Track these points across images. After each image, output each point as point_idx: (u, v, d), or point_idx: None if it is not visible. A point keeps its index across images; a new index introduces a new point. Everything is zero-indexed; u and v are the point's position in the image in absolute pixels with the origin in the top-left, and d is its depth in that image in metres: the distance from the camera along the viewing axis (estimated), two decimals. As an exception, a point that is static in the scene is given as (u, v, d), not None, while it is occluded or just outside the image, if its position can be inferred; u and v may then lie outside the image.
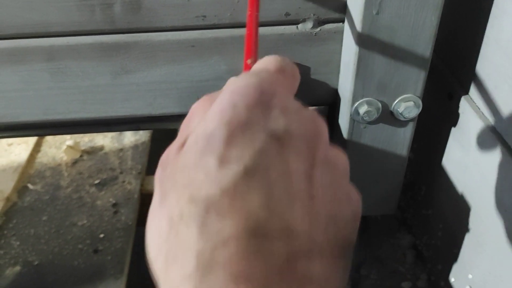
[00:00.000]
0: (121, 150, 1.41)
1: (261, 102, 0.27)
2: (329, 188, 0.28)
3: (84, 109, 0.63)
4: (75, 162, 1.37)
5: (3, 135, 0.65)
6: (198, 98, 0.69)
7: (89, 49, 0.58)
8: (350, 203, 0.30)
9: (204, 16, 0.58)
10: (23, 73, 0.59)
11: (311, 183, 0.27)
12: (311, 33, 0.60)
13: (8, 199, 1.25)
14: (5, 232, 1.18)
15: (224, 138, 0.26)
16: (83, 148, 1.40)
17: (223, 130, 0.26)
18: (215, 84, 0.63)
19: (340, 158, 0.30)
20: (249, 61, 0.40)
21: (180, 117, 0.70)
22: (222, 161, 0.25)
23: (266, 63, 0.33)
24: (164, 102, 0.64)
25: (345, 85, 0.61)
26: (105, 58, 0.59)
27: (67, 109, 0.62)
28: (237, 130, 0.26)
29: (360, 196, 0.31)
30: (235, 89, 0.28)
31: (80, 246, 1.17)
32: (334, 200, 0.28)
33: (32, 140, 1.41)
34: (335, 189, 0.29)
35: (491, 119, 0.57)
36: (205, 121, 0.28)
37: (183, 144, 0.29)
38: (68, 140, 1.41)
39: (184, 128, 0.32)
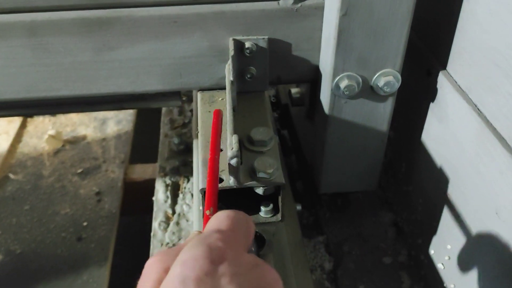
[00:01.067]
0: (103, 139, 1.40)
1: (210, 272, 0.30)
2: None
3: (67, 86, 0.63)
4: (57, 152, 1.35)
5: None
6: (181, 75, 0.69)
7: (71, 24, 0.58)
8: None
9: (186, -8, 0.58)
10: (4, 49, 0.59)
11: None
12: (292, 9, 0.61)
13: (-11, 189, 1.24)
14: (-13, 221, 1.17)
15: None
16: (65, 137, 1.39)
17: None
18: (197, 61, 0.63)
19: None
20: (208, 212, 0.44)
21: (163, 96, 0.70)
22: None
23: (219, 222, 0.36)
24: (147, 79, 0.64)
25: (326, 60, 0.62)
26: (87, 34, 0.59)
27: (49, 86, 0.62)
28: None
29: None
30: (186, 261, 0.31)
31: (63, 234, 1.16)
32: None
33: (13, 131, 1.40)
34: None
35: (467, 92, 0.59)
36: None
37: None
38: (49, 130, 1.40)
39: None
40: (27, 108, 0.67)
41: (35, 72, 0.61)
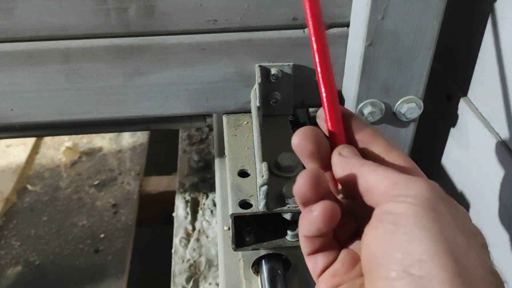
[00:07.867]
0: (119, 151, 1.42)
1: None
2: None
3: (98, 109, 0.64)
4: (74, 163, 1.38)
5: (18, 134, 0.67)
6: (207, 99, 0.71)
7: (103, 51, 0.60)
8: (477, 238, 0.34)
9: (215, 20, 0.60)
10: (40, 75, 0.60)
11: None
12: (317, 37, 0.62)
13: (7, 200, 1.26)
14: (6, 232, 1.19)
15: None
16: (81, 149, 1.41)
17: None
18: (224, 86, 0.65)
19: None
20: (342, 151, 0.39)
21: (189, 118, 0.72)
22: None
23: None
24: (175, 103, 0.66)
25: (350, 87, 0.64)
26: (119, 60, 0.61)
27: (81, 109, 0.64)
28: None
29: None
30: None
31: (81, 246, 1.18)
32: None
33: (30, 142, 1.42)
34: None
35: (489, 120, 0.60)
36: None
37: None
38: (66, 141, 1.42)
39: None
40: (57, 128, 0.69)
41: (67, 96, 0.63)
